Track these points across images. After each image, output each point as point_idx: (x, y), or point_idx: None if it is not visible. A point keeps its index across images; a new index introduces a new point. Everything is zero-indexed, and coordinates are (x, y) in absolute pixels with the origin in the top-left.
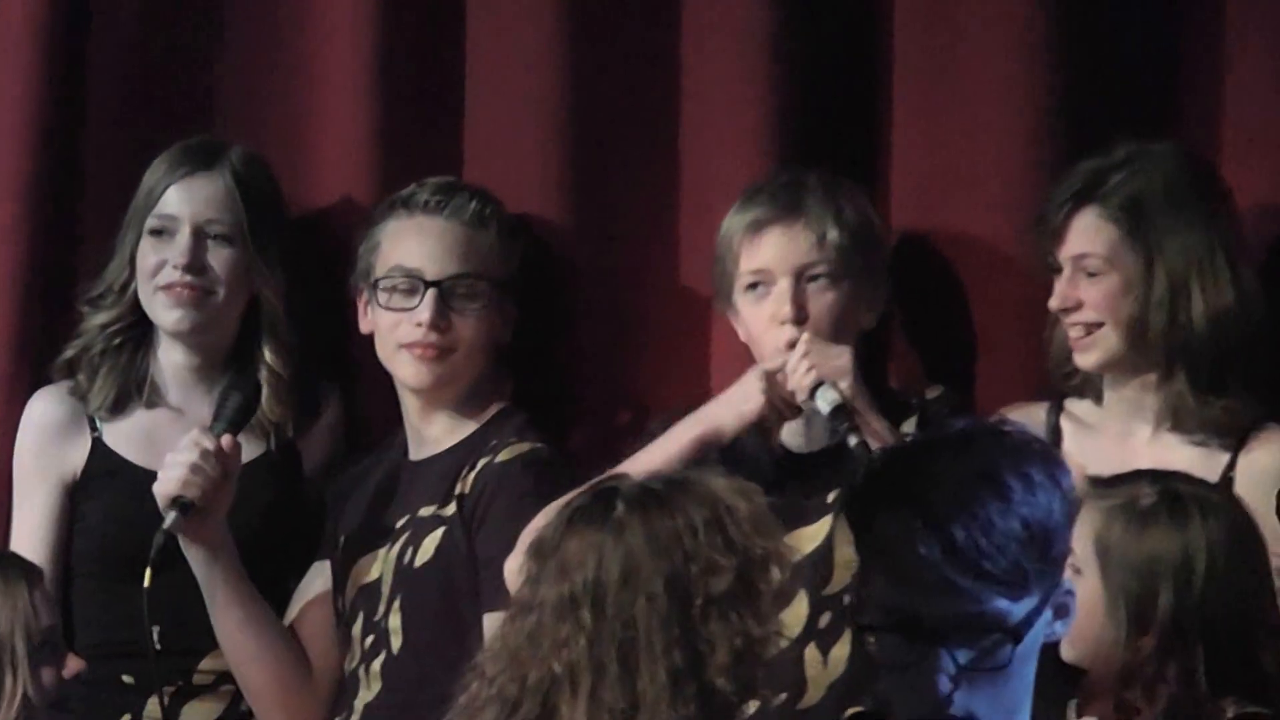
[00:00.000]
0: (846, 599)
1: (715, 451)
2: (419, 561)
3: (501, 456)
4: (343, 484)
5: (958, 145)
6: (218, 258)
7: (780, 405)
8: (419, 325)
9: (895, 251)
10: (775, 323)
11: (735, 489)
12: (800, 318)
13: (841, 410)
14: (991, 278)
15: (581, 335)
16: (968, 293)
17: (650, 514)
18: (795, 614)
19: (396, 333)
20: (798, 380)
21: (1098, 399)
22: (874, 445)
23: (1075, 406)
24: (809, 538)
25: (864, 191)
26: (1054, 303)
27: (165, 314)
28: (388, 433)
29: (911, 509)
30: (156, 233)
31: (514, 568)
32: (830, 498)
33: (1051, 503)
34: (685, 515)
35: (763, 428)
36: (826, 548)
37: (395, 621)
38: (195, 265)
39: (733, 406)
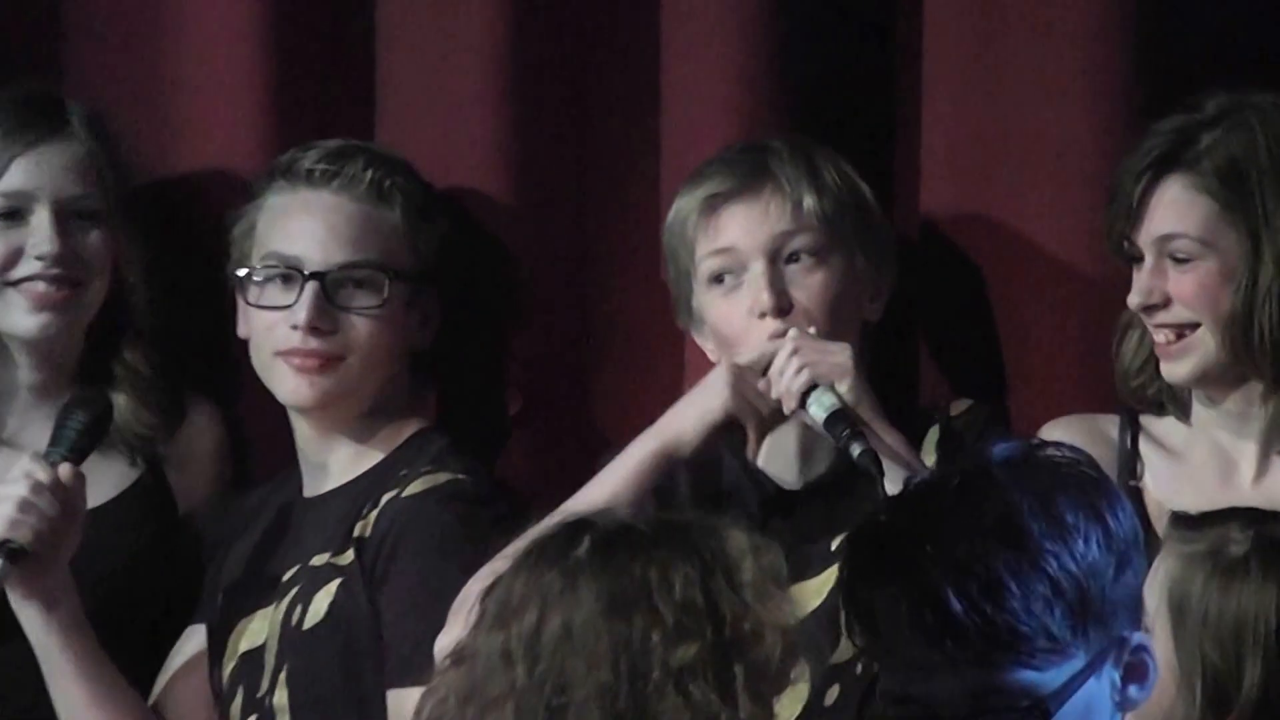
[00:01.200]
0: (859, 668)
1: (684, 476)
2: (309, 622)
3: (411, 489)
4: (226, 527)
5: (1000, 103)
6: (84, 241)
7: (755, 405)
8: (295, 328)
9: (921, 238)
10: (752, 318)
11: (748, 544)
12: (783, 306)
13: (841, 416)
14: (1043, 268)
15: (528, 340)
16: (1012, 288)
17: (617, 559)
18: (794, 690)
19: (271, 337)
20: (787, 384)
21: (1183, 415)
22: (886, 461)
23: (1155, 425)
24: (812, 592)
25: (842, 158)
26: (1134, 299)
27: (26, 319)
28: (285, 463)
29: (905, 574)
30: (2, 216)
31: (445, 645)
32: (836, 543)
33: (1090, 546)
34: (663, 566)
35: (734, 439)
36: (833, 605)
37: (281, 698)
38: (64, 254)
39: (693, 409)
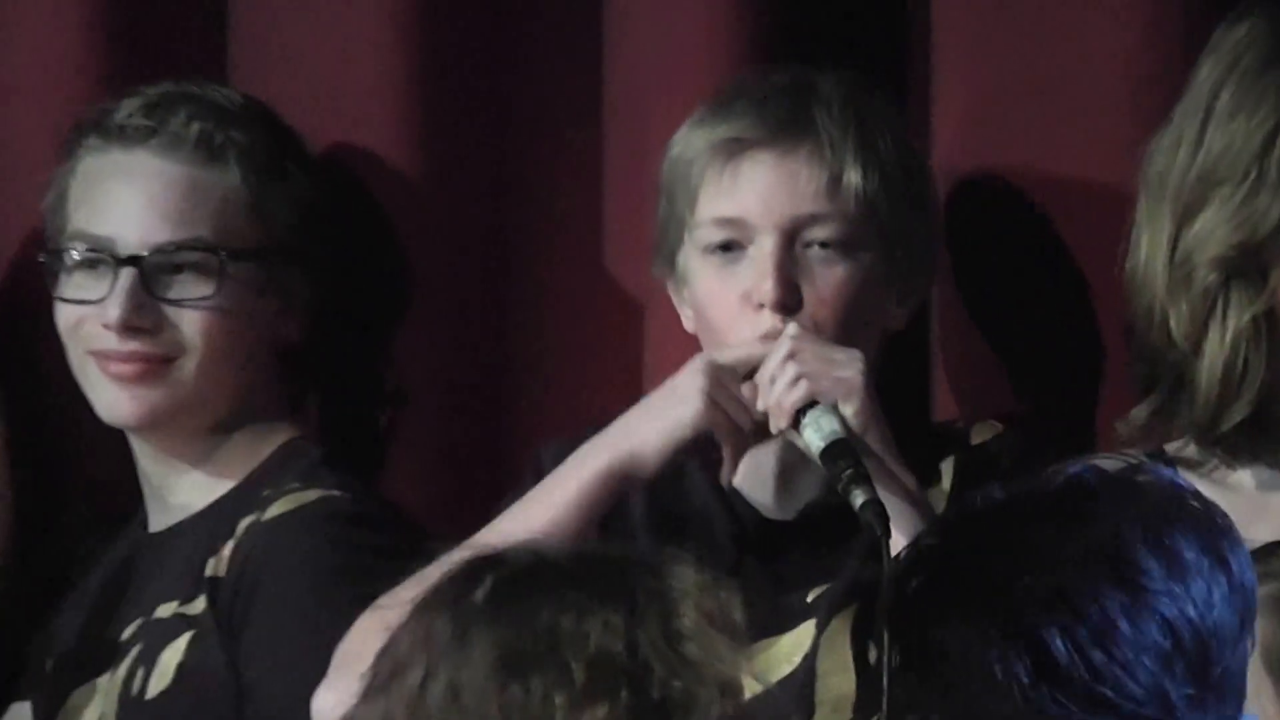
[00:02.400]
0: None
1: (638, 496)
2: (154, 689)
3: (274, 511)
4: (54, 578)
5: (1028, 45)
6: None
7: (735, 419)
8: (107, 327)
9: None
10: (748, 306)
11: (693, 583)
12: (789, 302)
13: (843, 449)
14: (1090, 255)
15: (428, 331)
16: (1046, 276)
17: (520, 604)
18: None
19: (81, 336)
20: (779, 396)
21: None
22: (893, 510)
23: (1186, 451)
24: (782, 654)
25: (900, 113)
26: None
27: None
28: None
29: (985, 610)
30: None
31: (325, 708)
32: (813, 594)
33: (1214, 595)
34: (579, 612)
35: (706, 458)
36: (808, 672)
37: None
38: None
39: (658, 418)
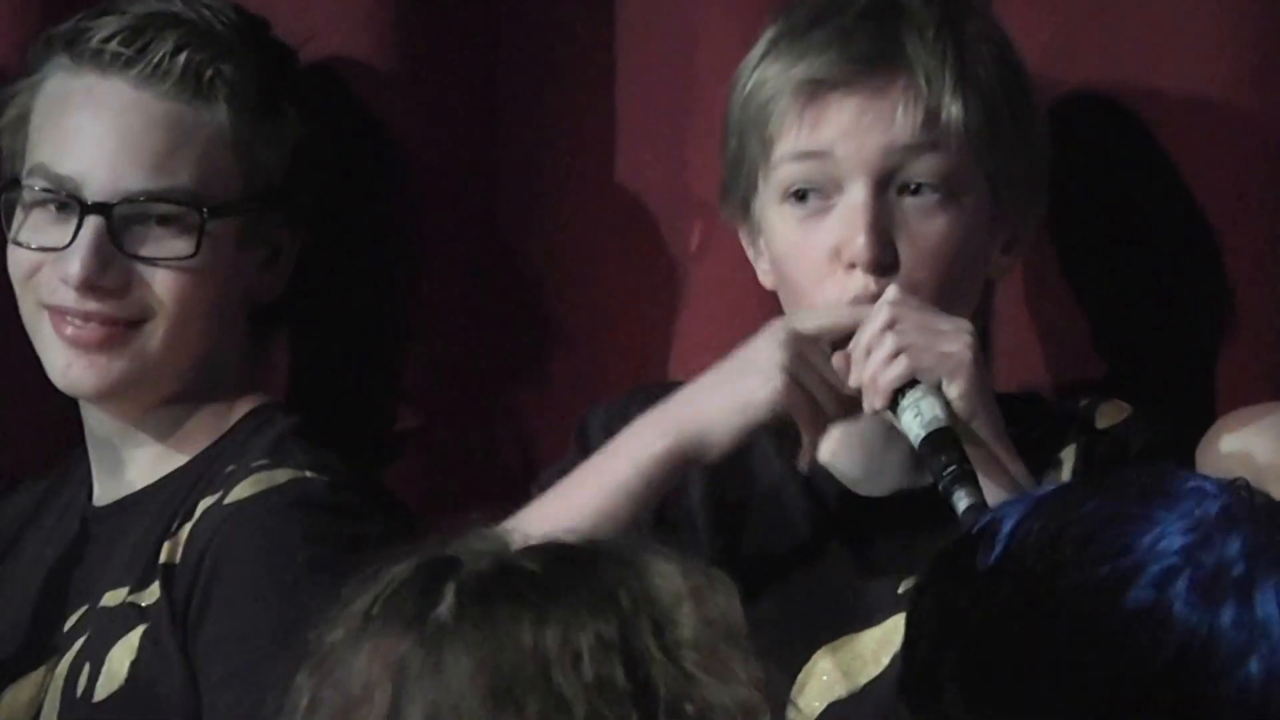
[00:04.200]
0: None
1: (697, 473)
2: (102, 691)
3: (238, 493)
4: None
5: None
6: None
7: (820, 400)
8: (65, 282)
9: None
10: (837, 264)
11: (684, 584)
12: (884, 260)
13: (946, 439)
14: (1214, 209)
15: (428, 296)
16: (1156, 225)
17: (493, 622)
18: None
19: (34, 284)
20: (874, 372)
21: None
22: (999, 491)
23: None
24: (867, 652)
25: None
26: None
27: None
28: (59, 450)
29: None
30: None
31: None
32: (904, 586)
33: None
34: (564, 626)
35: (783, 440)
36: (892, 678)
37: None
38: None
39: (730, 396)
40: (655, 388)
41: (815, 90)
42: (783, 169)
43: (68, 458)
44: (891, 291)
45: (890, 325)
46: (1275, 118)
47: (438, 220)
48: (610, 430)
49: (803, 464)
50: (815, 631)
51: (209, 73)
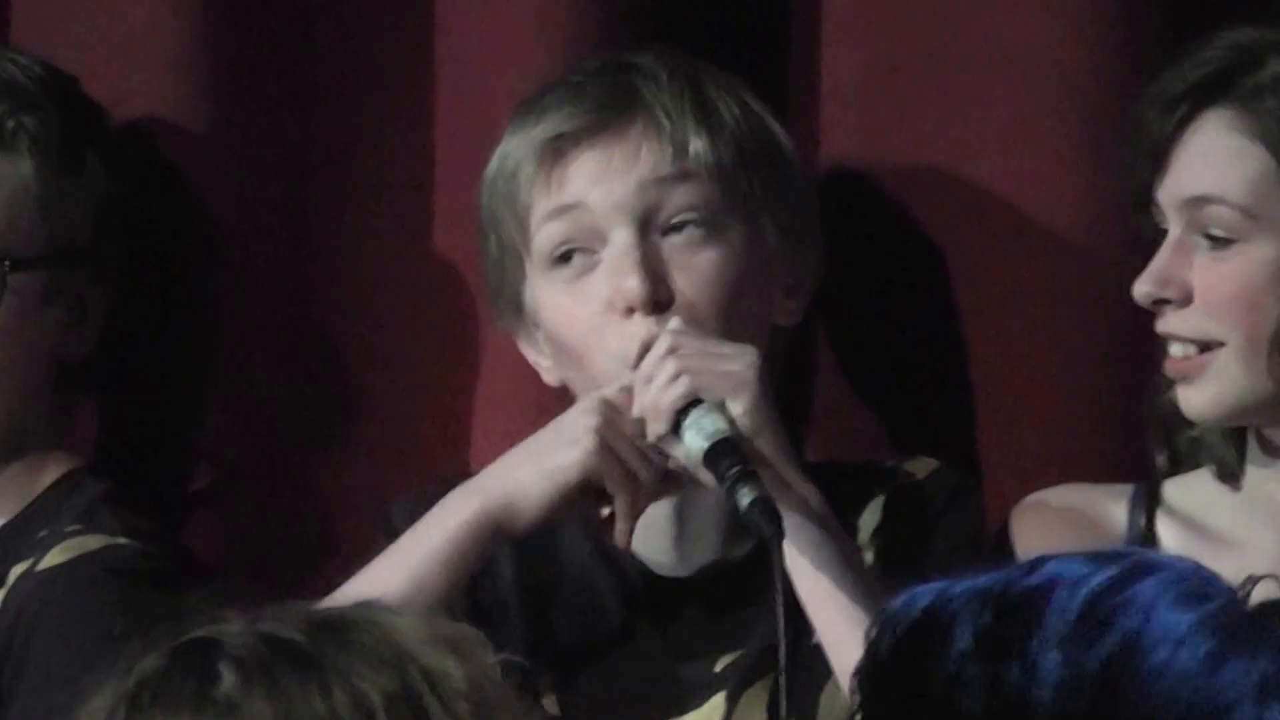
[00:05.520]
0: None
1: (505, 555)
2: None
3: (50, 560)
4: None
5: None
6: None
7: (632, 465)
8: None
9: (825, 209)
10: (613, 315)
11: (435, 636)
12: (660, 296)
13: (729, 446)
14: (1013, 250)
15: (248, 350)
16: (969, 281)
17: (285, 689)
18: None
19: None
20: (655, 396)
21: (1228, 477)
22: (789, 517)
23: (1181, 494)
24: None
25: (745, 86)
26: (1142, 287)
27: None
28: None
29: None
30: None
31: None
32: (721, 664)
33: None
34: (349, 688)
35: (594, 516)
36: None
37: None
38: None
39: (540, 462)
40: (456, 477)
41: (558, 146)
42: (541, 234)
43: None
44: (674, 322)
45: (671, 351)
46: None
47: (248, 282)
48: (414, 520)
49: (619, 537)
50: (640, 716)
51: (11, 124)
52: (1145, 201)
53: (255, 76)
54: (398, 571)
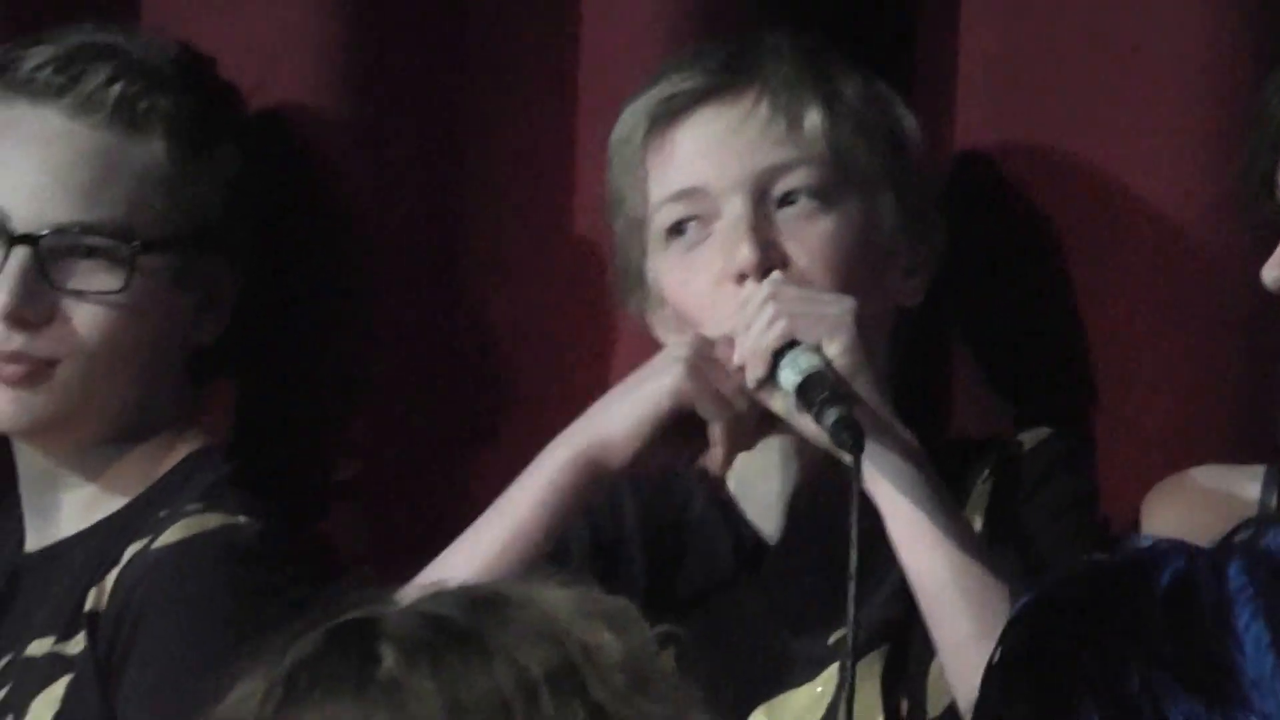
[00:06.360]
0: None
1: (629, 502)
2: None
3: (166, 539)
4: None
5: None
6: None
7: (723, 393)
8: None
9: (954, 197)
10: (726, 283)
11: (591, 610)
12: (771, 261)
13: (824, 379)
14: (1142, 238)
15: (389, 335)
16: (1094, 270)
17: (449, 668)
18: None
19: None
20: (755, 341)
21: None
22: (887, 468)
23: None
24: (799, 708)
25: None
26: (1271, 272)
27: None
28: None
29: (1043, 688)
30: None
31: None
32: (834, 637)
33: None
34: (512, 664)
35: (705, 471)
36: None
37: None
38: None
39: (631, 396)
40: None
41: (672, 110)
42: (660, 214)
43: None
44: (775, 275)
45: (771, 298)
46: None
47: (388, 267)
48: None
49: (718, 465)
50: (751, 686)
51: (143, 105)
52: (1270, 187)
53: (397, 60)
54: (499, 518)
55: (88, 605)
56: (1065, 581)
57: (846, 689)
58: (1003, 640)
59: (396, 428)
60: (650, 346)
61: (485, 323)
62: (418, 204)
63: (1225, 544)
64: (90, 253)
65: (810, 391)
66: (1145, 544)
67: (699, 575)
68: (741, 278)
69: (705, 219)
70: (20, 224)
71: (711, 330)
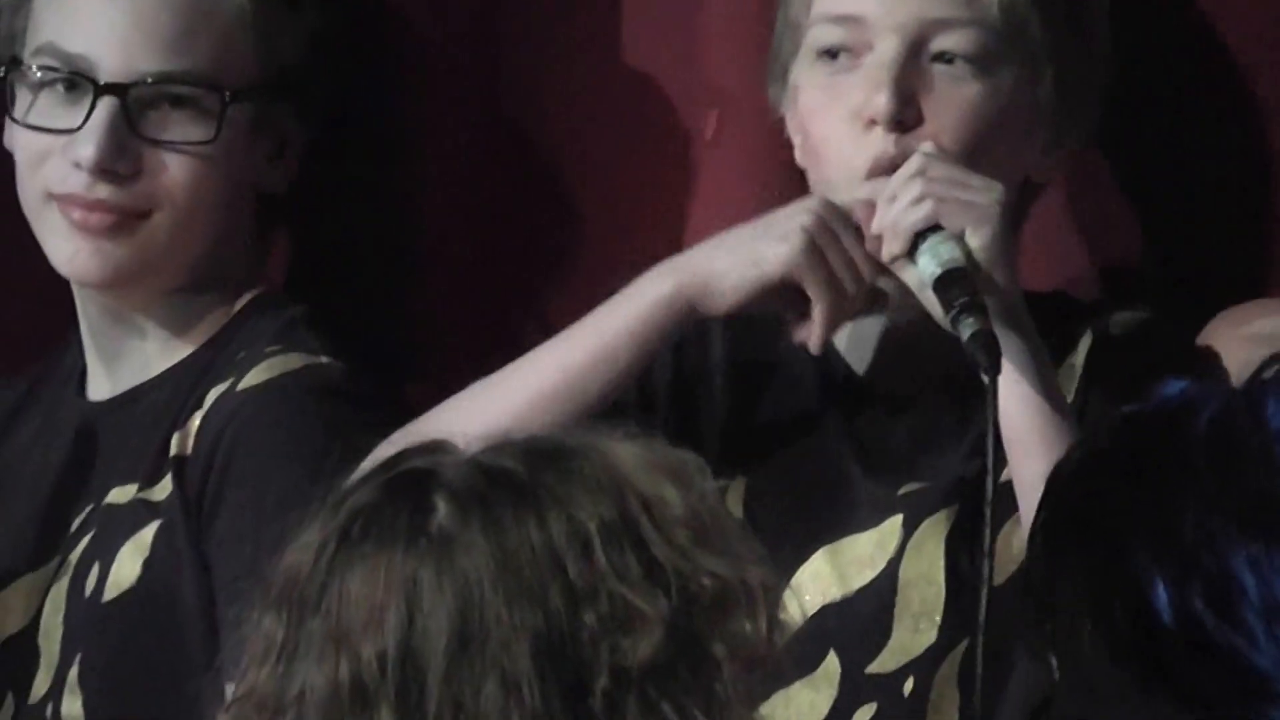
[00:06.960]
0: (909, 685)
1: (718, 332)
2: (112, 591)
3: (250, 379)
4: None
5: None
6: None
7: (838, 274)
8: (78, 165)
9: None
10: (857, 123)
11: (654, 463)
12: (905, 117)
13: (962, 276)
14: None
15: (445, 189)
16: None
17: (501, 521)
18: (803, 703)
19: (43, 172)
20: (896, 216)
21: None
22: (1013, 367)
23: None
24: (861, 554)
25: None
26: None
27: None
28: (43, 341)
29: (1100, 544)
30: None
31: None
32: (906, 489)
33: None
34: (566, 517)
35: (788, 313)
36: (889, 579)
37: (73, 706)
38: None
39: (744, 251)
40: None
41: None
42: (816, 28)
43: (46, 357)
44: (927, 145)
45: (919, 173)
46: None
47: (444, 118)
48: None
49: (812, 343)
50: (816, 526)
51: None
52: None
53: None
54: (585, 339)
55: (172, 450)
56: (1103, 434)
57: (979, 638)
58: (1045, 500)
59: (450, 279)
60: (713, 194)
61: (539, 170)
62: (468, 55)
63: (1256, 381)
64: (178, 102)
65: (949, 289)
66: (1176, 390)
67: (782, 408)
68: (871, 123)
69: (856, 50)
70: (107, 74)
71: (833, 169)
